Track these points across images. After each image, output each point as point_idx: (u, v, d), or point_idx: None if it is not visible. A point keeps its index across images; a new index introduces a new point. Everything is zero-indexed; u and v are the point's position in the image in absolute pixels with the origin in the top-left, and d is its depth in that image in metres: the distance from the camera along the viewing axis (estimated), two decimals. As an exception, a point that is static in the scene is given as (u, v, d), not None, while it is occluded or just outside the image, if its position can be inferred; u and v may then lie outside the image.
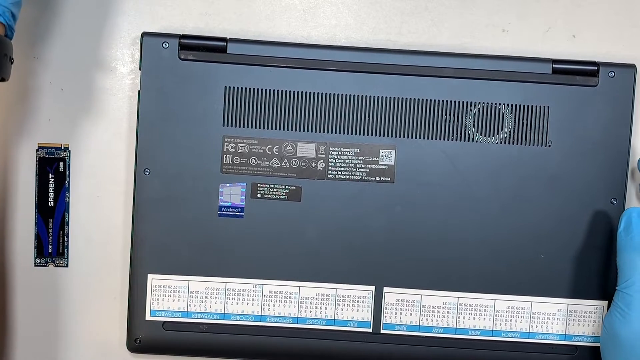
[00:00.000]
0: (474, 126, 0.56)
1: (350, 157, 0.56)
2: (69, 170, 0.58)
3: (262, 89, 0.56)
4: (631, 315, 0.51)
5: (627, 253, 0.52)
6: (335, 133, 0.56)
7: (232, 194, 0.56)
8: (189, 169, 0.56)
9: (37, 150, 0.58)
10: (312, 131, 0.56)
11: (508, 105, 0.56)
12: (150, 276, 0.57)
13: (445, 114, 0.56)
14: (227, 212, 0.56)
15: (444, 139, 0.56)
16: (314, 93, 0.56)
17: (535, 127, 0.56)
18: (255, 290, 0.57)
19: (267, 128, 0.56)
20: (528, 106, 0.56)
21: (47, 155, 0.58)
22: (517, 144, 0.56)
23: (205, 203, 0.56)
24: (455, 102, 0.56)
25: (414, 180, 0.56)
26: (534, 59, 0.57)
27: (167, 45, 0.56)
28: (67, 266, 0.59)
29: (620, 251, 0.53)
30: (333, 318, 0.57)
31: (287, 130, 0.56)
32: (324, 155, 0.56)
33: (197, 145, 0.56)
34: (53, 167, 0.58)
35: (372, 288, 0.57)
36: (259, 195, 0.56)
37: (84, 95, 0.58)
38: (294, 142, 0.56)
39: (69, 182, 0.58)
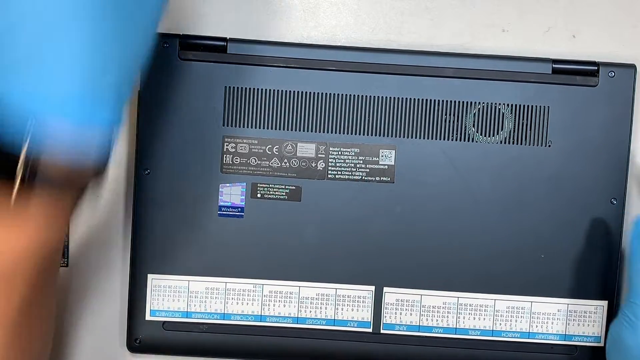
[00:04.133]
0: (474, 126, 0.56)
1: (350, 157, 0.56)
2: (69, 170, 0.58)
3: (262, 89, 0.56)
4: (639, 326, 0.51)
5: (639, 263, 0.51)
6: (335, 133, 0.56)
7: (232, 194, 0.56)
8: (189, 169, 0.56)
9: (37, 150, 0.58)
10: (312, 131, 0.56)
11: (508, 105, 0.56)
12: (150, 276, 0.56)
13: (445, 114, 0.56)
14: (227, 212, 0.56)
15: (444, 139, 0.56)
16: (314, 93, 0.56)
17: (535, 127, 0.56)
18: (255, 290, 0.57)
19: (267, 128, 0.56)
20: (528, 106, 0.56)
21: (47, 155, 0.58)
22: (517, 144, 0.56)
23: (205, 203, 0.56)
24: (455, 102, 0.56)
25: (414, 180, 0.56)
26: (534, 59, 0.57)
27: (167, 45, 0.56)
28: (67, 266, 0.59)
29: (632, 261, 0.52)
30: (333, 318, 0.57)
31: (287, 130, 0.56)
32: (324, 155, 0.56)
33: (197, 145, 0.56)
34: (53, 167, 0.58)
35: (372, 288, 0.57)
36: (259, 195, 0.56)
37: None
38: (294, 142, 0.56)
39: (69, 182, 0.58)
